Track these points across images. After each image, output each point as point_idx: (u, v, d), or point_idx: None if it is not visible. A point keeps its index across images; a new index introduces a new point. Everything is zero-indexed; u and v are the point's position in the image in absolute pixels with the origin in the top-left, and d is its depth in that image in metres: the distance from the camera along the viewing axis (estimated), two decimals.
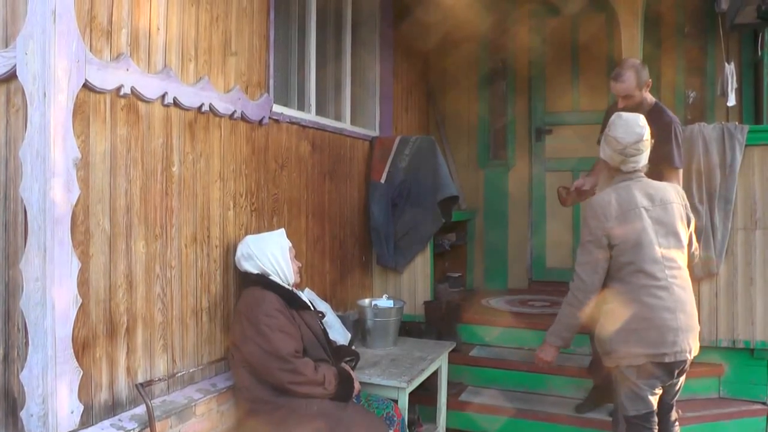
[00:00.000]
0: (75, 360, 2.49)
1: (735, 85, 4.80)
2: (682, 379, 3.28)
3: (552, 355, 3.47)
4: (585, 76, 6.44)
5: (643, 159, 3.22)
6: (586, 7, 6.10)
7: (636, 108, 3.84)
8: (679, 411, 3.52)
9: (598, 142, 4.35)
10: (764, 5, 4.59)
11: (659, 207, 3.18)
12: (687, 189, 4.20)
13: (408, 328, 4.88)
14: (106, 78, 2.61)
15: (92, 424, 2.60)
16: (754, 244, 4.36)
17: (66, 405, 2.45)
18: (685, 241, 3.25)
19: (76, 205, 2.49)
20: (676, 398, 3.37)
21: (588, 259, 3.22)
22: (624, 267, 3.13)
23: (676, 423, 3.41)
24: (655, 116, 3.83)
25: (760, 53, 5.35)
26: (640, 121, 3.21)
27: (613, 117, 3.28)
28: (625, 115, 3.26)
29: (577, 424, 4.25)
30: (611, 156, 3.23)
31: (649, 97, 4.03)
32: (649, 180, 3.30)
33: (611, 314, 3.18)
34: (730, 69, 4.77)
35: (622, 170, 3.22)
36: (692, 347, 3.12)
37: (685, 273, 3.22)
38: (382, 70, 5.87)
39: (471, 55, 6.79)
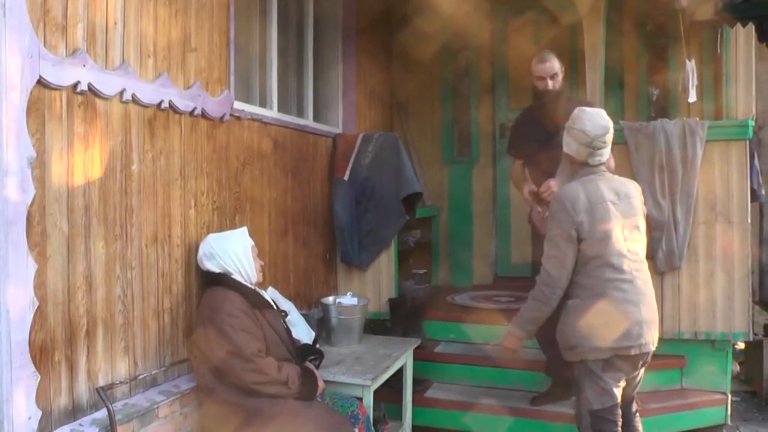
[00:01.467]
0: (32, 364, 2.42)
1: (696, 82, 4.85)
2: (643, 371, 3.33)
3: (515, 344, 3.49)
4: None
5: (607, 153, 3.26)
6: (549, 5, 6.13)
7: (558, 95, 4.05)
8: (639, 402, 3.56)
9: (508, 152, 4.45)
10: (721, 2, 4.66)
11: (624, 201, 3.22)
12: (649, 184, 4.26)
13: (373, 326, 4.87)
14: (62, 74, 2.54)
15: (51, 430, 2.54)
16: (715, 238, 4.44)
17: (23, 411, 2.38)
18: (644, 235, 3.30)
19: (31, 205, 2.42)
20: (636, 390, 3.41)
21: (556, 252, 3.22)
22: (590, 261, 3.16)
23: (637, 414, 3.46)
24: (574, 103, 3.94)
25: (719, 50, 5.43)
26: (604, 114, 3.26)
27: (576, 111, 3.31)
28: (588, 109, 3.30)
29: (540, 418, 4.28)
30: (578, 150, 3.25)
31: (565, 88, 4.19)
32: (611, 174, 3.34)
33: (575, 309, 3.20)
34: (691, 66, 4.83)
35: (589, 163, 3.25)
36: (654, 339, 3.18)
37: (647, 266, 3.28)
38: (344, 68, 5.83)
39: (435, 53, 6.79)
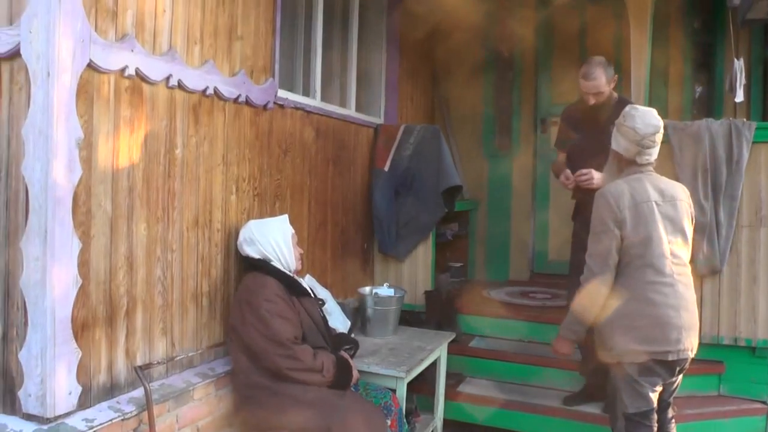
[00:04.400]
0: (74, 341, 2.48)
1: (743, 81, 4.73)
2: (680, 377, 3.27)
3: (567, 348, 3.45)
4: None
5: (656, 153, 3.20)
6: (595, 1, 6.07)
7: (604, 104, 3.97)
8: (675, 408, 3.50)
9: (555, 145, 4.38)
10: None
11: (669, 203, 3.15)
12: (692, 185, 4.18)
13: (408, 318, 4.87)
14: (111, 58, 2.59)
15: (90, 406, 2.60)
16: (759, 242, 4.32)
17: (64, 386, 2.45)
18: (690, 239, 3.23)
19: (78, 185, 2.48)
20: (673, 396, 3.36)
21: (599, 249, 3.16)
22: (632, 261, 3.10)
23: (673, 420, 3.40)
24: (623, 107, 3.85)
25: None
26: (655, 113, 3.19)
27: (627, 109, 3.25)
28: (640, 107, 3.23)
29: (573, 418, 4.23)
30: (627, 147, 3.19)
31: (613, 93, 4.07)
32: (659, 175, 3.27)
33: (614, 309, 3.15)
34: (739, 65, 4.71)
35: (637, 162, 3.18)
36: (693, 346, 3.11)
37: (689, 270, 3.20)
38: (387, 59, 5.83)
39: (477, 46, 6.76)
